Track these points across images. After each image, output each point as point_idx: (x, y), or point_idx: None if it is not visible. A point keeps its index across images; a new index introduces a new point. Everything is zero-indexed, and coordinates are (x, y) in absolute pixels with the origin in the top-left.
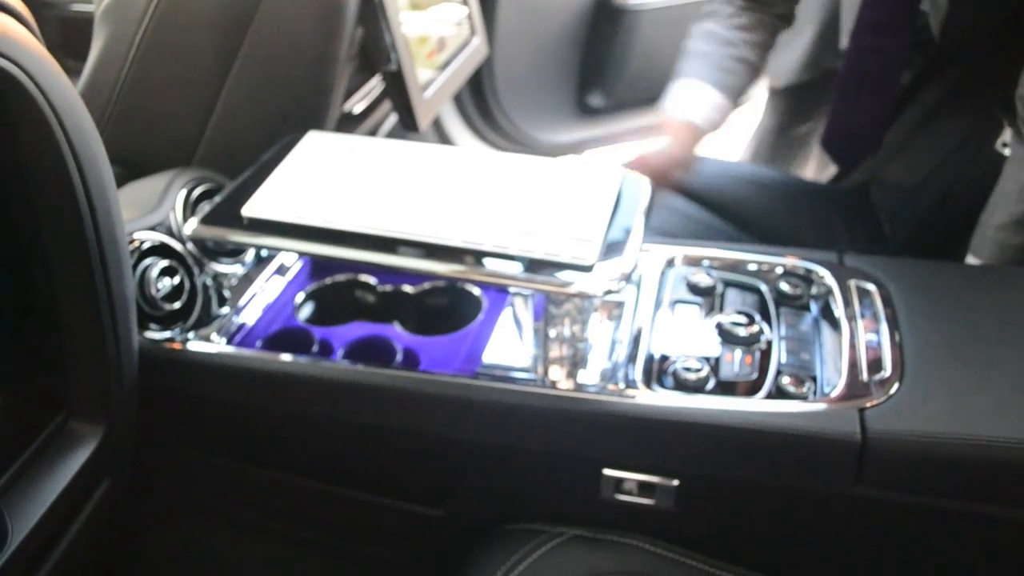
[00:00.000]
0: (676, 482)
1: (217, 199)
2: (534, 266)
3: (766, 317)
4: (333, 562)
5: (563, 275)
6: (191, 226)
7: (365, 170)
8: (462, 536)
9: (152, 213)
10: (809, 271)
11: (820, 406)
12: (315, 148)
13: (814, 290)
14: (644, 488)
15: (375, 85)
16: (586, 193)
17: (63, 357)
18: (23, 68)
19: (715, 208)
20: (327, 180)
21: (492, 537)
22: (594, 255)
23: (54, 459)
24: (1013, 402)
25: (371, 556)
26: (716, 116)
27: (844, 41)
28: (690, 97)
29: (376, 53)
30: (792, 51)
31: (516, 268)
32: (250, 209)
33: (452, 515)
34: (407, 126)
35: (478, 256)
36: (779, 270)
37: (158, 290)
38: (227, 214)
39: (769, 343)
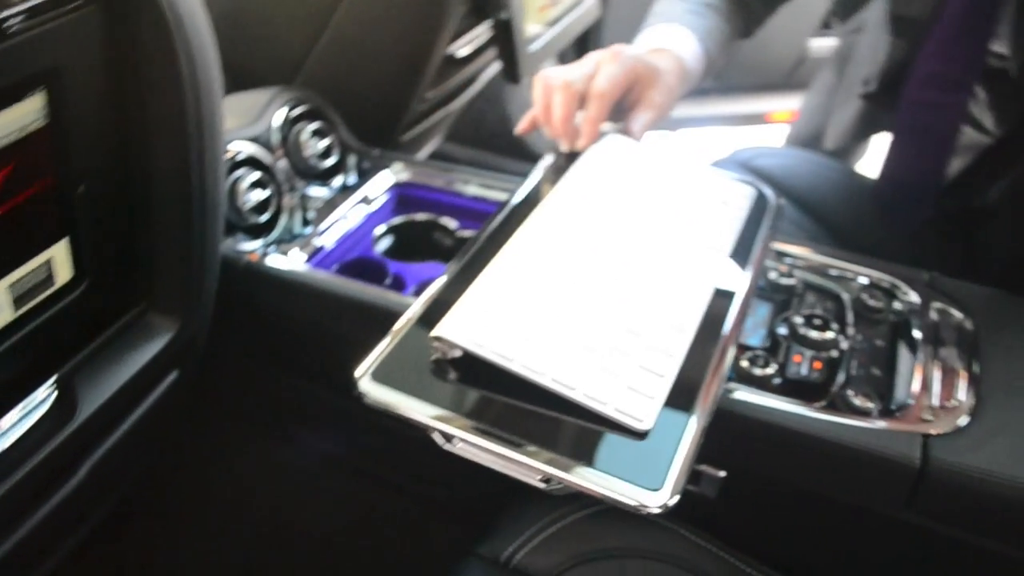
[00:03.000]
0: (723, 473)
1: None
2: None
3: (842, 325)
4: (376, 489)
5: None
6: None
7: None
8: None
9: (251, 126)
10: (895, 286)
11: (883, 424)
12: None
13: (897, 306)
14: (691, 474)
15: (483, 32)
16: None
17: (151, 252)
18: None
19: (804, 206)
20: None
21: (533, 495)
22: (649, 418)
23: (129, 346)
24: None
25: (415, 491)
26: (694, 63)
27: (857, 89)
28: (665, 36)
29: (488, 0)
30: (845, 111)
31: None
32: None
33: None
34: (508, 77)
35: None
36: (863, 280)
37: (246, 201)
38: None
39: (841, 352)
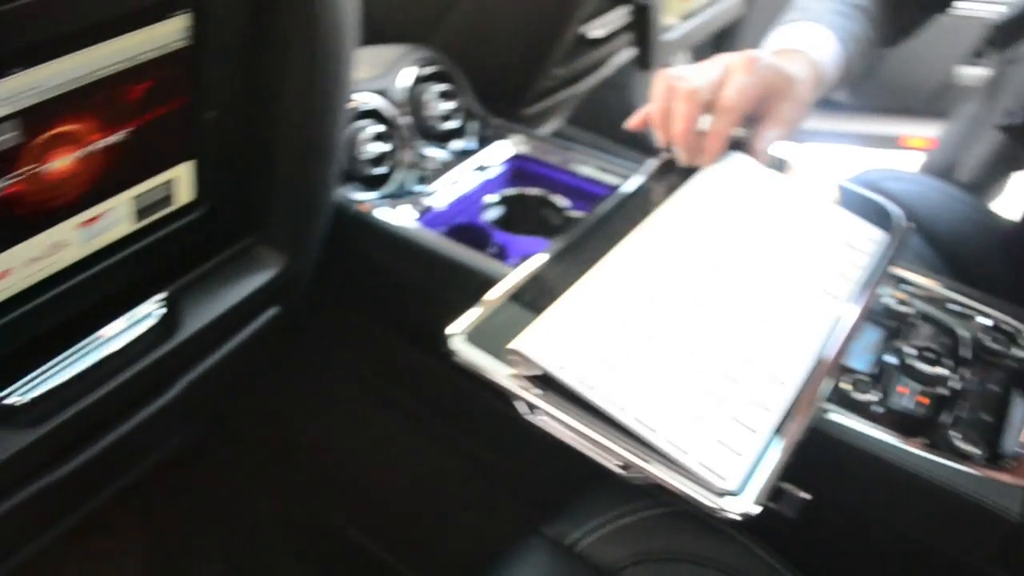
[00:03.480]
0: (807, 495)
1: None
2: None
3: (956, 363)
4: (446, 452)
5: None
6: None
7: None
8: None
9: (380, 79)
10: (1019, 331)
11: (985, 472)
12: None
13: (1018, 353)
14: (772, 490)
15: (620, 15)
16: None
17: (268, 186)
18: None
19: (929, 236)
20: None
21: (605, 483)
22: (735, 478)
23: (236, 274)
24: None
25: (486, 459)
26: (831, 71)
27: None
28: (805, 35)
29: None
30: (984, 143)
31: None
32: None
33: None
34: (641, 64)
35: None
36: (985, 320)
37: (365, 152)
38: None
39: (951, 391)
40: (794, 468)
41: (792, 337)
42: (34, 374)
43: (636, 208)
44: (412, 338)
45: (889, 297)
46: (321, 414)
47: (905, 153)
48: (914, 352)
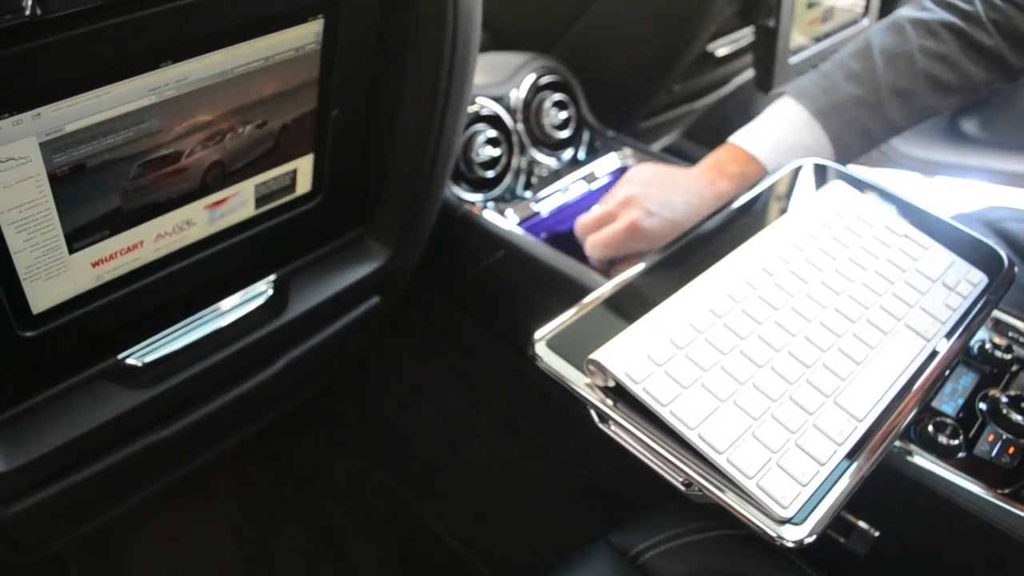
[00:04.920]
0: (877, 533)
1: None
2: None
3: None
4: (523, 449)
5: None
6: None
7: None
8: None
9: (500, 86)
10: None
11: None
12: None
13: None
14: (842, 524)
15: (745, 34)
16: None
17: (382, 183)
18: None
19: None
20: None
21: (673, 499)
22: (794, 507)
23: (343, 262)
24: None
25: (560, 461)
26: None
27: None
28: (776, 127)
29: (757, 4)
30: None
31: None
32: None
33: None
34: (760, 85)
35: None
36: None
37: (478, 155)
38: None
39: None
40: (867, 504)
41: (872, 373)
42: (154, 339)
43: (736, 229)
44: (503, 337)
45: (988, 342)
46: (410, 403)
47: None
48: (1007, 400)
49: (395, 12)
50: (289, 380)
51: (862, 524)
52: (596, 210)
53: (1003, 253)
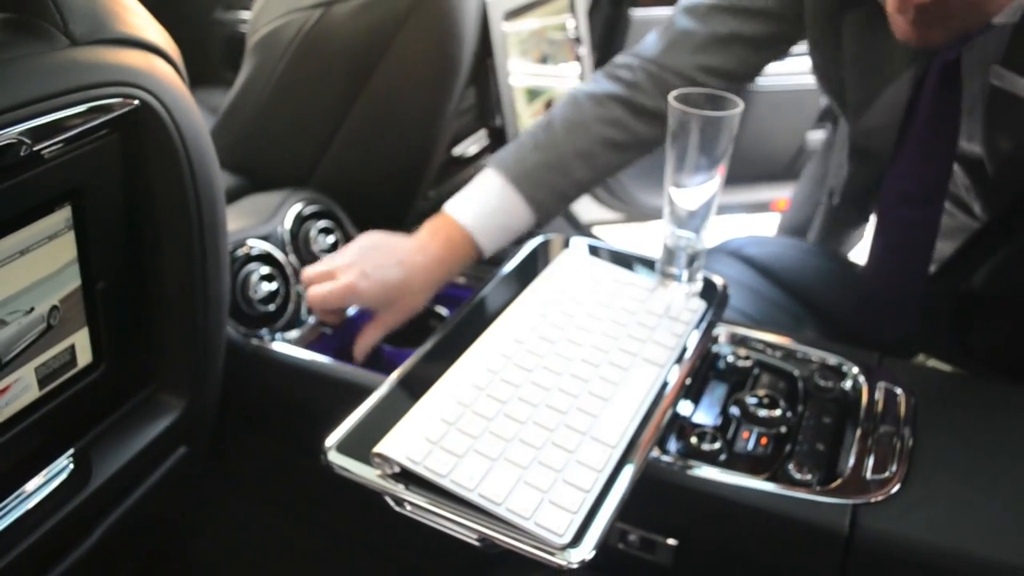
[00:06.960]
0: (673, 542)
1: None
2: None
3: (794, 404)
4: (365, 558)
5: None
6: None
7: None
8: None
9: (265, 224)
10: (844, 368)
11: (817, 496)
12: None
13: (845, 386)
14: (645, 543)
15: (484, 134)
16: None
17: (160, 338)
18: (162, 102)
19: (793, 293)
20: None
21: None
22: (569, 532)
23: (141, 422)
24: (1009, 525)
25: (401, 559)
26: (502, 237)
27: (835, 199)
28: (482, 192)
29: (485, 109)
30: (820, 213)
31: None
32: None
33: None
34: None
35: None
36: (816, 362)
37: (257, 293)
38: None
39: (789, 429)
40: (662, 519)
41: (619, 406)
42: None
43: (489, 308)
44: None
45: (732, 355)
46: (243, 537)
47: (776, 216)
48: (755, 400)
49: (136, 181)
50: (111, 549)
51: (660, 538)
52: (324, 264)
53: (715, 280)
